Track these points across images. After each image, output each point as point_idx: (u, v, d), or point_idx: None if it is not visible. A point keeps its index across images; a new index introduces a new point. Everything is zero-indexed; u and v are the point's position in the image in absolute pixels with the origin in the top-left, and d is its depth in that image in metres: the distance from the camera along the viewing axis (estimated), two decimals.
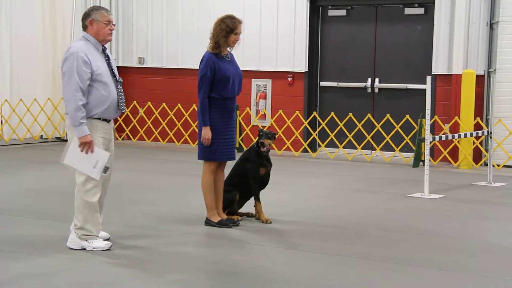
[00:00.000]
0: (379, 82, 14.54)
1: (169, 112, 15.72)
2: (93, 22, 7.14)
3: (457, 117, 13.33)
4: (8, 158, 13.71)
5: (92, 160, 7.01)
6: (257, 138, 8.63)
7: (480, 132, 11.99)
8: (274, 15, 15.17)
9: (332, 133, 14.29)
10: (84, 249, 7.13)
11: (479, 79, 13.37)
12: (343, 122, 14.17)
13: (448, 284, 6.41)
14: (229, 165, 8.61)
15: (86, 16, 7.20)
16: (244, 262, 6.97)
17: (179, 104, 15.62)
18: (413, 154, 13.45)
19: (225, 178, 8.51)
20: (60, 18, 16.23)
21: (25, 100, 15.63)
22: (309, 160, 14.12)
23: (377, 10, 14.55)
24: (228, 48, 8.27)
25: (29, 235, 7.83)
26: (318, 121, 14.69)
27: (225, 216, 8.40)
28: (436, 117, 13.59)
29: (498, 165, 12.93)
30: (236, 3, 15.37)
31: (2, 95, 15.63)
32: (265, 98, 15.33)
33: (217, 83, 8.10)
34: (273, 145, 8.84)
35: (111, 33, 7.25)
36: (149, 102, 16.11)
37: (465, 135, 11.79)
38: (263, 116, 15.24)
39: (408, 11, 14.22)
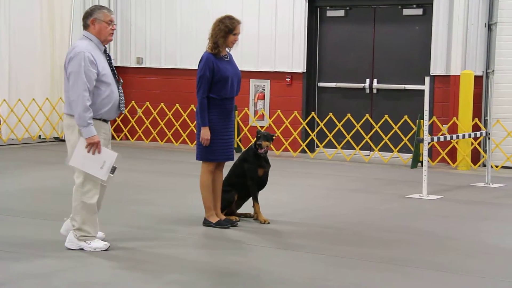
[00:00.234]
0: (378, 82, 14.55)
1: (168, 112, 15.72)
2: (95, 21, 7.11)
3: (455, 118, 13.34)
4: (6, 158, 13.70)
5: (99, 161, 6.99)
6: (255, 139, 8.63)
7: (478, 133, 12.00)
8: (272, 15, 15.17)
9: (330, 133, 14.29)
10: (82, 249, 7.12)
11: (478, 80, 13.38)
12: (342, 123, 14.17)
13: (446, 285, 6.41)
14: (228, 166, 8.61)
15: (88, 15, 7.15)
16: (242, 263, 6.96)
17: (177, 104, 15.62)
18: (411, 155, 13.45)
19: (223, 179, 8.51)
20: (59, 17, 16.22)
21: (23, 100, 15.62)
22: (307, 161, 14.12)
23: (375, 11, 14.56)
24: (226, 49, 8.28)
25: (27, 235, 7.83)
26: (316, 121, 14.69)
27: (223, 217, 8.40)
28: (434, 118, 13.60)
29: (497, 166, 12.94)
30: (234, 3, 15.38)
31: (0, 95, 15.61)
32: (263, 98, 15.33)
33: (216, 83, 8.10)
34: (271, 145, 8.84)
35: (113, 33, 7.22)
36: (148, 102, 16.10)
37: (464, 136, 11.79)
38: (262, 117, 15.24)
39: (407, 12, 14.23)
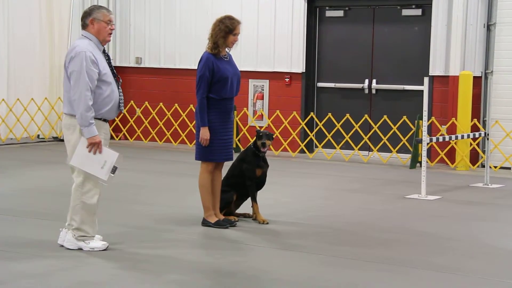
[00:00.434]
0: (376, 83, 14.55)
1: (166, 112, 15.71)
2: (94, 21, 7.10)
3: (454, 118, 13.34)
4: (5, 157, 13.69)
5: (100, 161, 6.98)
6: (255, 138, 8.63)
7: (477, 134, 12.00)
8: (271, 15, 15.17)
9: (329, 134, 14.29)
10: (81, 249, 7.12)
11: (476, 80, 13.39)
12: (340, 123, 14.17)
13: (445, 286, 6.41)
14: (227, 166, 8.60)
15: (86, 15, 7.14)
16: (240, 263, 6.96)
17: (176, 104, 15.61)
18: (410, 155, 13.45)
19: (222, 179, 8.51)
20: (58, 17, 16.21)
21: (22, 99, 15.61)
22: (306, 161, 14.12)
23: (374, 11, 14.56)
24: (226, 49, 8.28)
25: (25, 235, 7.82)
26: (315, 121, 14.69)
27: (222, 217, 8.39)
28: (433, 118, 13.60)
29: (495, 167, 12.94)
30: (233, 3, 15.37)
31: None
32: (262, 98, 15.33)
33: (215, 83, 8.10)
34: (270, 145, 8.84)
35: (111, 33, 7.22)
36: (146, 102, 16.10)
37: (462, 137, 11.79)
38: (260, 117, 15.24)
39: (406, 12, 14.23)
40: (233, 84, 8.20)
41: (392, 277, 6.61)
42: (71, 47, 7.12)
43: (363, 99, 14.66)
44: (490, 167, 11.89)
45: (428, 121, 10.75)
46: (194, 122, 8.37)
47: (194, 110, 8.44)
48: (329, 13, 14.94)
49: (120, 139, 16.31)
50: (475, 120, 13.25)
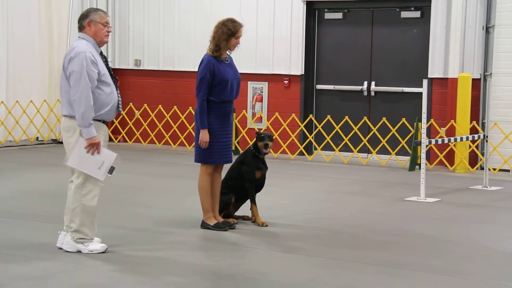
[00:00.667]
0: (375, 85, 14.55)
1: (165, 114, 15.71)
2: (91, 23, 7.12)
3: (453, 120, 13.34)
4: (4, 160, 13.68)
5: (98, 161, 6.98)
6: (254, 140, 8.63)
7: (476, 136, 12.00)
8: (270, 17, 15.18)
9: (328, 136, 14.28)
10: (79, 251, 7.11)
11: (475, 82, 13.39)
12: (339, 125, 14.17)
13: None
14: (226, 168, 8.60)
15: (83, 17, 7.16)
16: (240, 265, 6.96)
17: (175, 107, 15.61)
18: (409, 157, 13.45)
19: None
20: (57, 19, 16.21)
21: (21, 101, 15.60)
22: (305, 163, 14.12)
23: (373, 14, 14.57)
24: (227, 51, 8.28)
25: (24, 237, 7.82)
26: (314, 124, 14.69)
27: (221, 219, 8.39)
28: (432, 120, 13.60)
29: (494, 169, 12.94)
30: (233, 5, 15.38)
31: None
32: (261, 100, 15.33)
33: (215, 86, 8.10)
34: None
35: (108, 35, 7.23)
36: (145, 104, 16.09)
37: (461, 139, 11.80)
38: (259, 119, 15.24)
39: (404, 14, 14.23)
40: (233, 87, 8.20)
41: (391, 279, 6.61)
42: (69, 48, 7.13)
43: (362, 101, 14.66)
44: (489, 169, 11.89)
45: (427, 123, 10.74)
46: (194, 124, 8.36)
47: (193, 112, 8.43)
48: (328, 15, 14.94)
49: (119, 141, 16.30)
50: (474, 122, 13.25)
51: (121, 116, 15.93)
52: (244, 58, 14.83)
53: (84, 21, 7.15)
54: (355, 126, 14.01)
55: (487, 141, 11.86)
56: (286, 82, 15.09)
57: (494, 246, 7.89)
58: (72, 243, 7.12)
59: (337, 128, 14.17)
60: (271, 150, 8.65)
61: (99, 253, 7.09)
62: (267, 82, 15.27)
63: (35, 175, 11.98)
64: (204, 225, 8.29)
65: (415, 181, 11.13)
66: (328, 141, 14.32)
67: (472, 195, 11.04)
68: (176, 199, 10.21)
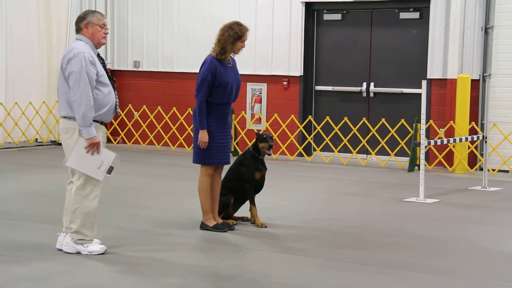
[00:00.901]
0: (374, 86, 14.55)
1: (164, 115, 15.71)
2: (89, 25, 7.14)
3: (452, 121, 13.35)
4: (3, 161, 13.68)
5: (97, 161, 6.98)
6: (254, 141, 8.64)
7: (475, 137, 12.01)
8: (269, 19, 15.17)
9: (327, 137, 14.29)
10: (79, 253, 7.11)
11: (474, 83, 13.40)
12: (338, 126, 14.17)
13: None
14: (225, 169, 8.60)
15: (81, 19, 7.19)
16: (239, 266, 6.96)
17: (174, 108, 15.61)
18: (408, 158, 13.45)
19: None
20: (56, 21, 16.20)
21: (20, 103, 15.59)
22: (304, 164, 14.12)
23: (372, 15, 14.57)
24: (231, 54, 8.29)
25: (23, 238, 7.82)
26: (313, 125, 14.69)
27: (220, 220, 8.39)
28: (431, 121, 13.60)
29: (493, 170, 12.94)
30: (231, 6, 15.38)
31: None
32: (260, 102, 15.33)
33: (216, 88, 8.10)
34: None
35: (105, 37, 7.25)
36: (144, 106, 16.09)
37: (460, 140, 11.80)
38: (258, 120, 15.24)
39: (403, 15, 14.23)
40: (232, 90, 8.22)
41: (390, 280, 6.61)
42: (68, 49, 7.14)
43: (361, 102, 14.66)
44: (488, 170, 11.89)
45: (426, 124, 10.74)
46: (192, 125, 8.36)
47: (192, 113, 8.42)
48: (327, 16, 14.94)
49: (118, 142, 16.30)
50: (473, 123, 13.26)
51: (120, 117, 15.93)
52: (243, 59, 14.73)
53: (82, 23, 7.16)
54: (354, 127, 14.01)
55: (486, 142, 11.87)
56: (285, 83, 15.09)
57: (493, 246, 7.89)
58: (71, 244, 7.12)
59: (336, 129, 14.18)
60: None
61: (98, 254, 7.09)
62: (266, 83, 15.27)
63: (34, 177, 11.97)
64: (204, 226, 8.29)
65: (414, 182, 11.13)
66: (327, 142, 14.32)
67: (471, 195, 11.04)
68: (176, 200, 10.20)
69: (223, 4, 15.56)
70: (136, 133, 16.11)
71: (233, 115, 14.52)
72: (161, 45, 16.28)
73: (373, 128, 13.93)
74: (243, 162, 8.60)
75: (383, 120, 13.85)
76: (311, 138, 14.75)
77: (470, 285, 6.51)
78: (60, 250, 7.19)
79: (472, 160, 13.41)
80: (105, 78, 7.10)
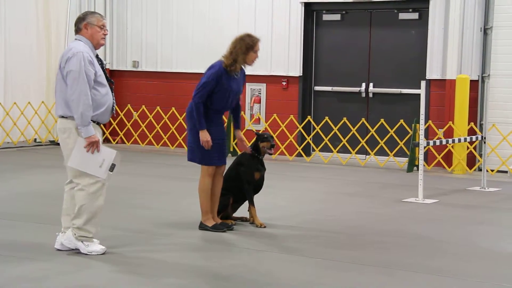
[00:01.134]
0: (373, 86, 14.56)
1: (163, 116, 15.71)
2: (88, 25, 7.14)
3: (451, 122, 13.35)
4: (1, 161, 13.67)
5: (98, 160, 6.99)
6: (253, 141, 8.64)
7: (474, 137, 12.01)
8: (268, 19, 15.17)
9: (326, 137, 14.29)
10: (78, 250, 7.09)
11: (473, 84, 13.40)
12: (337, 127, 14.18)
13: None
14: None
15: (80, 20, 7.20)
16: (238, 266, 6.96)
17: (173, 108, 15.60)
18: (407, 159, 13.46)
19: None
20: (55, 21, 16.21)
21: (18, 103, 15.59)
22: (303, 165, 14.12)
23: (371, 15, 14.58)
24: (243, 66, 8.29)
25: (22, 238, 7.81)
26: (312, 125, 14.70)
27: (219, 221, 8.39)
28: (430, 122, 13.61)
29: (492, 170, 12.94)
30: (231, 7, 15.38)
31: None
32: (259, 102, 15.34)
33: (214, 93, 8.10)
34: None
35: (104, 38, 7.25)
36: (143, 106, 16.09)
37: (459, 140, 11.81)
38: (257, 120, 15.24)
39: (403, 16, 14.24)
40: (229, 99, 8.22)
41: (389, 280, 6.62)
42: (66, 49, 7.15)
43: (360, 103, 14.67)
44: (487, 170, 11.90)
45: (425, 124, 10.74)
46: (187, 125, 8.36)
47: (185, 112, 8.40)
48: (326, 17, 14.95)
49: (117, 142, 16.30)
50: (472, 124, 13.26)
51: (119, 117, 15.94)
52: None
53: (81, 23, 7.17)
54: (353, 128, 14.01)
55: (485, 142, 11.88)
56: (284, 83, 15.09)
57: (492, 247, 7.90)
58: (72, 239, 7.11)
59: (335, 129, 14.18)
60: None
61: (98, 254, 7.09)
62: (265, 84, 15.27)
63: (33, 177, 11.97)
64: (203, 227, 8.29)
65: (413, 182, 11.14)
66: (326, 143, 14.33)
67: (470, 196, 11.05)
68: (174, 200, 10.20)
69: (222, 4, 15.56)
70: (135, 133, 16.11)
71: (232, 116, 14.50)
72: (160, 45, 16.28)
73: (372, 129, 13.93)
74: (242, 162, 8.60)
75: (382, 120, 13.85)
76: (310, 139, 14.75)
77: (469, 285, 6.51)
78: (59, 250, 7.19)
79: (471, 161, 13.42)
80: (103, 79, 7.11)
